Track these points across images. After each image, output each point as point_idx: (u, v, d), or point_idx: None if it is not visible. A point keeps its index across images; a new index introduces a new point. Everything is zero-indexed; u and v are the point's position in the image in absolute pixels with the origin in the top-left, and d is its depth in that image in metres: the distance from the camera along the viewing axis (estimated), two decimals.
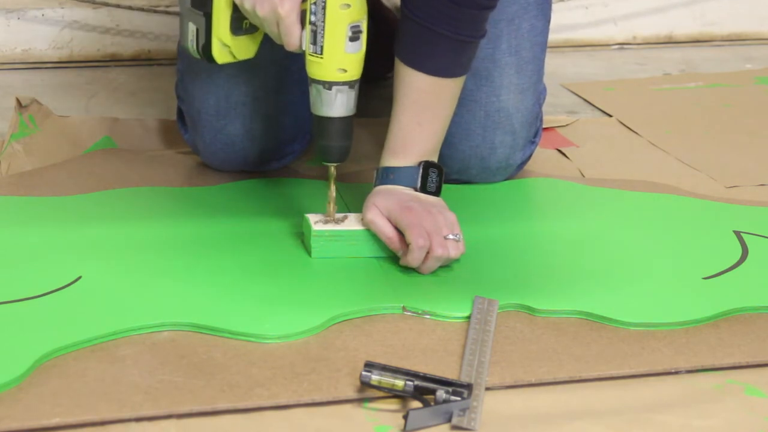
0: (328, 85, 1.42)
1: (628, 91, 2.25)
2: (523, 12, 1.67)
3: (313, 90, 1.43)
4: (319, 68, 1.41)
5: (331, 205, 1.48)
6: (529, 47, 1.68)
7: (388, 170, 1.49)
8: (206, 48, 1.47)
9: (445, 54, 1.48)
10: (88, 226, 1.52)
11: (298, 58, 1.44)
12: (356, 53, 1.41)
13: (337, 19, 1.38)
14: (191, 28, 1.48)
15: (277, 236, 1.51)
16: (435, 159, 1.52)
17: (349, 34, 1.40)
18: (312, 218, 1.48)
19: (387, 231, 1.44)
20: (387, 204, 1.45)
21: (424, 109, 1.50)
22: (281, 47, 1.42)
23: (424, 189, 1.48)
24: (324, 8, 1.38)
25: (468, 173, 1.70)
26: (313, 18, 1.39)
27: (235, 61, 1.49)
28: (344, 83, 1.42)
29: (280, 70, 1.68)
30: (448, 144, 1.58)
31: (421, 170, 1.49)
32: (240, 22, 1.46)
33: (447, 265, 1.45)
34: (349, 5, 1.38)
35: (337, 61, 1.41)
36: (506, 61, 1.67)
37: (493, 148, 1.68)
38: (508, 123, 1.68)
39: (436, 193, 1.50)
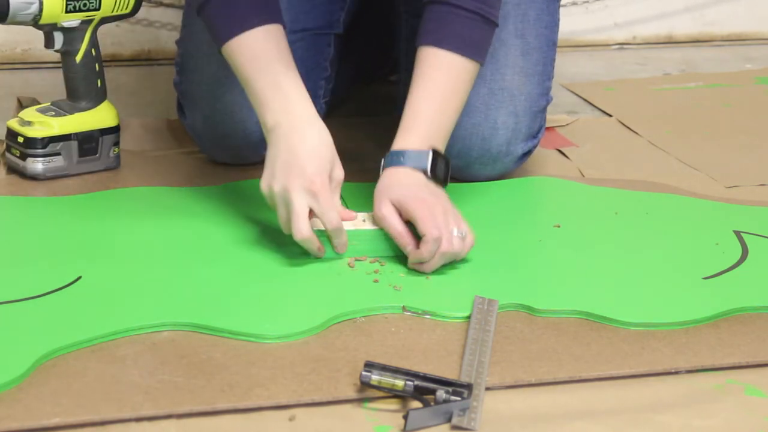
0: None
1: (628, 91, 2.25)
2: (530, 1, 1.70)
3: None
4: None
5: None
6: (535, 35, 1.71)
7: (398, 153, 1.49)
8: None
9: (468, 29, 1.51)
10: (88, 226, 1.52)
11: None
12: None
13: None
14: None
15: (277, 236, 1.51)
16: (442, 149, 1.52)
17: None
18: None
19: (398, 227, 1.44)
20: (398, 195, 1.45)
21: (435, 85, 1.51)
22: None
23: (434, 173, 1.48)
24: None
25: (468, 155, 1.70)
26: None
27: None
28: None
29: None
30: None
31: (431, 153, 1.49)
32: None
33: (449, 264, 1.45)
34: None
35: None
36: (512, 42, 1.70)
37: (495, 129, 1.69)
38: (511, 104, 1.69)
39: (444, 182, 1.50)
